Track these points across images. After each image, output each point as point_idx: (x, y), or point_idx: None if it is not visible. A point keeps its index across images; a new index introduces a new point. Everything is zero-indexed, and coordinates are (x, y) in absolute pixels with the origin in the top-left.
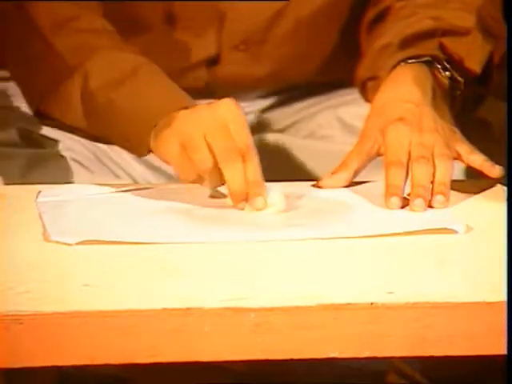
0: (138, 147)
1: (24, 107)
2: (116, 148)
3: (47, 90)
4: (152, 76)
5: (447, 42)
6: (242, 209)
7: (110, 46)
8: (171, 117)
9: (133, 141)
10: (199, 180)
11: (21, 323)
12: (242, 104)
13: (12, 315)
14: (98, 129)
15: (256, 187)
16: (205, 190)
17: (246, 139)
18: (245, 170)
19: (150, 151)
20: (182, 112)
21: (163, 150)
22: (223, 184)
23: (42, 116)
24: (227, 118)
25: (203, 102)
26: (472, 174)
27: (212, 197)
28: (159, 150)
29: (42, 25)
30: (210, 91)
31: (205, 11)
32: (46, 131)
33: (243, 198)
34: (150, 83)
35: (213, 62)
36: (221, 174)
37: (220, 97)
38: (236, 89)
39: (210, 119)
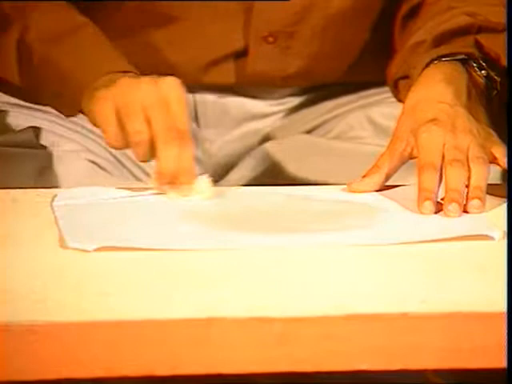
0: (69, 106)
1: (43, 107)
2: None
3: None
4: (94, 36)
5: (483, 39)
6: (164, 192)
7: (55, 4)
8: (110, 80)
9: (64, 98)
10: (125, 148)
11: (35, 333)
12: (271, 102)
13: (26, 325)
14: (30, 84)
15: (187, 175)
16: (226, 194)
17: (185, 123)
18: (179, 154)
19: (80, 111)
20: (123, 78)
21: (96, 112)
22: (149, 161)
23: None
24: (170, 97)
25: (232, 100)
26: None
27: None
28: (91, 111)
29: None
30: (238, 87)
31: (231, 3)
32: (64, 132)
33: (168, 181)
34: (90, 42)
35: (241, 55)
36: (152, 150)
37: (250, 94)
38: (265, 85)
39: (153, 93)
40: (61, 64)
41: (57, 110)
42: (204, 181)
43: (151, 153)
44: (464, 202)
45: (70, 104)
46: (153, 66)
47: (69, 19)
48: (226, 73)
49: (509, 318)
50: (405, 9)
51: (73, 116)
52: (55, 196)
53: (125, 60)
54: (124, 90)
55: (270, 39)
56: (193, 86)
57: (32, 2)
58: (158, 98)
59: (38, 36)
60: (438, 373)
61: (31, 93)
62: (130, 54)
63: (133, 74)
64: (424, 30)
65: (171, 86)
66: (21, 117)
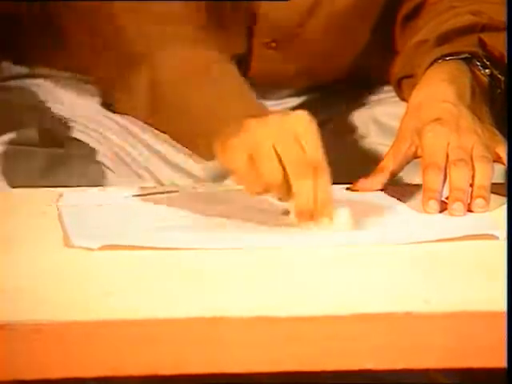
0: (202, 150)
1: (51, 106)
2: (140, 148)
3: (113, 78)
4: (223, 75)
5: (487, 37)
6: (307, 228)
7: (184, 38)
8: (239, 124)
9: (198, 141)
10: (264, 193)
11: (39, 332)
12: (272, 102)
13: (30, 324)
14: (162, 122)
15: (324, 207)
16: (232, 194)
17: (318, 154)
18: (315, 186)
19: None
20: (252, 120)
21: (229, 159)
22: (290, 199)
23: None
24: (299, 130)
25: None
26: None
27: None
28: (225, 158)
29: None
30: None
31: (237, 9)
32: (70, 131)
33: (309, 216)
34: (219, 83)
35: (243, 58)
36: (288, 188)
37: None
38: (266, 86)
39: (281, 130)
40: (192, 108)
41: (192, 151)
42: (344, 213)
43: (289, 192)
44: (468, 201)
45: (204, 149)
46: None
47: (200, 57)
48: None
49: (509, 318)
50: (406, 8)
51: (210, 160)
52: (60, 195)
53: (254, 98)
54: (253, 132)
55: (273, 44)
56: None
57: (161, 34)
58: (286, 133)
59: (169, 75)
60: (442, 372)
61: (159, 127)
62: None
63: (261, 111)
64: (427, 29)
65: (299, 118)
66: (26, 116)
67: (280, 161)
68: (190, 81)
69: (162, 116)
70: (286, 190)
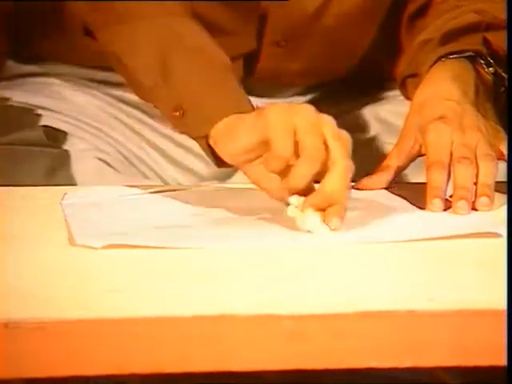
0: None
1: (56, 105)
2: (144, 147)
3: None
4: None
5: (491, 36)
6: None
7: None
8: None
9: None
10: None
11: (43, 330)
12: (279, 100)
13: (34, 322)
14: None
15: (337, 203)
16: (235, 193)
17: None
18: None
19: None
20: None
21: (237, 137)
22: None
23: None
24: (320, 120)
25: None
26: None
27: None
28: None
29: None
30: (246, 86)
31: (247, 8)
32: (74, 131)
33: (323, 205)
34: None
35: (251, 56)
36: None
37: (257, 93)
38: (273, 83)
39: (301, 116)
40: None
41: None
42: (315, 218)
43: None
44: (472, 200)
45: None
46: None
47: (174, 26)
48: (235, 70)
49: (509, 317)
50: (412, 7)
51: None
52: (65, 194)
53: (245, 98)
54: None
55: (283, 43)
56: None
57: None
58: (307, 119)
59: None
60: (447, 371)
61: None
62: None
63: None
64: (432, 27)
65: (326, 118)
66: (29, 115)
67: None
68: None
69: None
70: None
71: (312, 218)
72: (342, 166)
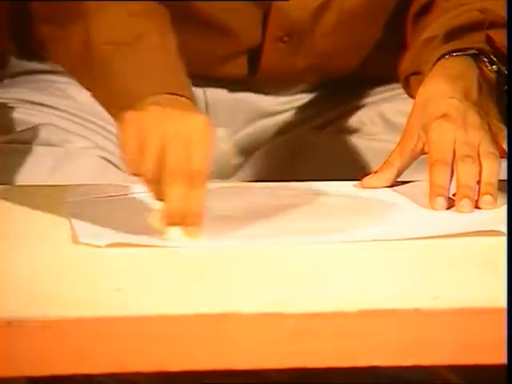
0: (116, 120)
1: (59, 102)
2: None
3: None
4: (155, 49)
5: (494, 34)
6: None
7: (126, 4)
8: (144, 106)
9: (111, 111)
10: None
11: (48, 329)
12: (283, 99)
13: (38, 321)
14: (84, 81)
15: (194, 217)
16: (236, 192)
17: (201, 164)
18: (188, 194)
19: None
20: (155, 109)
21: (122, 134)
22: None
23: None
24: (193, 138)
25: (243, 96)
26: None
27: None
28: (120, 130)
29: None
30: (250, 84)
31: (250, 3)
32: (77, 129)
33: (172, 222)
34: (150, 55)
35: (255, 52)
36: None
37: (261, 91)
38: (277, 81)
39: (176, 132)
40: (113, 76)
41: (102, 106)
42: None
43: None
44: (476, 198)
45: (115, 119)
46: None
47: (134, 25)
48: (239, 66)
49: (509, 316)
50: (416, 6)
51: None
52: (68, 192)
53: (180, 76)
54: (150, 121)
55: (286, 38)
56: (205, 80)
57: (97, 3)
58: (179, 136)
59: (101, 39)
60: (451, 370)
61: (83, 84)
62: None
63: (181, 98)
64: (435, 25)
65: (198, 125)
66: (31, 113)
67: (162, 160)
68: (119, 48)
69: (87, 75)
70: (159, 189)
71: (172, 232)
72: (204, 184)
